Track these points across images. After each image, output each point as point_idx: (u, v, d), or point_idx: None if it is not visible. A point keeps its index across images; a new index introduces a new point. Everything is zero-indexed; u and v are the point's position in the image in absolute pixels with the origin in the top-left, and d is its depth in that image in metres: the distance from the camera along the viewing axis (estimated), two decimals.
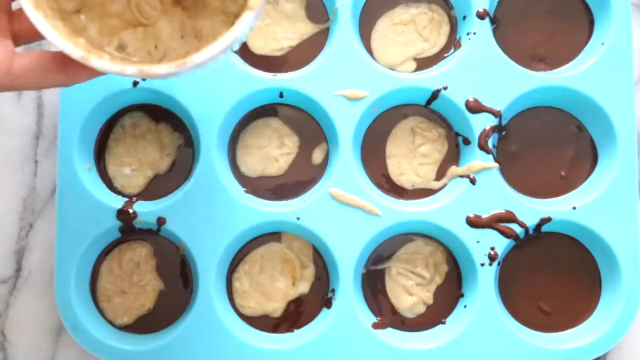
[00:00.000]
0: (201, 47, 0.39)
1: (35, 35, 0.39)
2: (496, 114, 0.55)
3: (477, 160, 0.55)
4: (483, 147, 0.55)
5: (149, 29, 0.42)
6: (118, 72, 0.38)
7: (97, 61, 0.38)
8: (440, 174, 0.56)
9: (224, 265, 0.55)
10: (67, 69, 0.39)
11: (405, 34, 0.58)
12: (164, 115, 0.57)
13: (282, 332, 0.55)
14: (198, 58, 0.38)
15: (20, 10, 0.39)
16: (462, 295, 0.55)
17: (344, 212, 0.54)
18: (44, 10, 0.39)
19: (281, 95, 0.56)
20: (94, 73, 0.40)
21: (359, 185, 0.54)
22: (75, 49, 0.37)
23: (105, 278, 0.56)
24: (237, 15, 0.41)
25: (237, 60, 0.56)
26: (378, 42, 0.58)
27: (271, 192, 0.56)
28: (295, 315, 0.55)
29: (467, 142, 0.56)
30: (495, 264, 0.54)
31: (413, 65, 0.57)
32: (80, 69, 0.39)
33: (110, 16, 0.42)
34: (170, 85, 0.55)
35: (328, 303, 0.54)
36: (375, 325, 0.54)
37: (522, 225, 0.54)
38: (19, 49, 0.40)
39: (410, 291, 0.55)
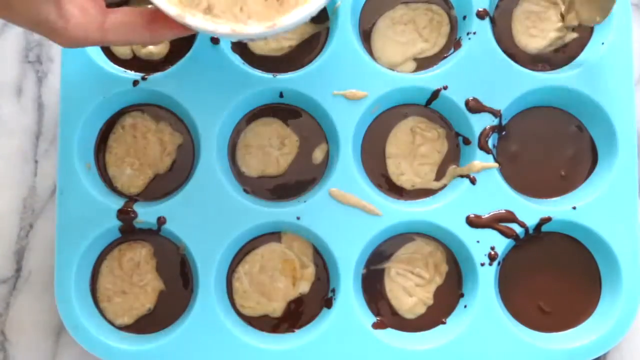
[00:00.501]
0: (283, 10, 0.41)
1: None
2: (496, 113, 0.55)
3: (477, 160, 0.55)
4: (483, 147, 0.55)
5: None
6: (211, 30, 0.39)
7: (191, 19, 0.39)
8: (440, 174, 0.56)
9: (224, 265, 0.55)
10: (154, 27, 0.41)
11: (405, 33, 0.58)
12: (164, 115, 0.57)
13: (282, 332, 0.55)
14: (287, 20, 0.40)
15: None
16: (462, 295, 0.55)
17: (344, 212, 0.54)
18: None
19: (281, 95, 0.56)
20: (178, 31, 0.41)
21: (359, 185, 0.54)
22: (170, 7, 0.39)
23: (106, 278, 0.56)
24: None
25: (237, 60, 0.56)
26: (378, 42, 0.57)
27: (271, 192, 0.56)
28: (295, 315, 0.55)
29: (467, 142, 0.56)
30: (495, 263, 0.54)
31: (413, 65, 0.57)
32: (167, 27, 0.41)
33: None
34: (170, 85, 0.55)
35: (328, 303, 0.54)
36: (375, 325, 0.54)
37: (522, 225, 0.54)
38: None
39: (410, 292, 0.55)
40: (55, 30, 0.39)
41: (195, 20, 0.40)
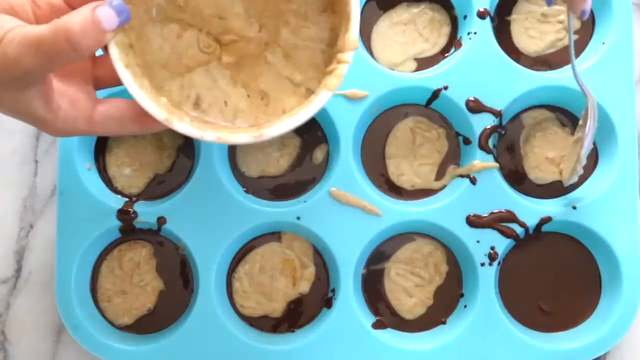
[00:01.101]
0: (269, 112, 0.42)
1: (115, 82, 0.40)
2: (497, 113, 0.55)
3: (478, 160, 0.55)
4: (484, 147, 0.55)
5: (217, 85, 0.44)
6: (198, 137, 0.39)
7: (179, 124, 0.39)
8: (440, 174, 0.56)
9: (224, 265, 0.55)
10: (144, 120, 0.40)
11: (406, 33, 0.57)
12: None
13: (282, 332, 0.55)
14: (274, 131, 0.39)
15: (104, 56, 0.41)
16: (462, 295, 0.55)
17: (344, 212, 0.54)
18: (132, 68, 0.40)
19: None
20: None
21: (359, 185, 0.54)
22: (159, 111, 0.39)
23: (106, 278, 0.56)
24: (306, 86, 0.43)
25: None
26: (378, 42, 0.57)
27: (271, 192, 0.56)
28: (295, 315, 0.55)
29: (467, 142, 0.56)
30: (495, 263, 0.54)
31: (413, 65, 0.57)
32: (155, 122, 0.40)
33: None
34: None
35: (328, 303, 0.54)
36: (375, 325, 0.54)
37: (522, 225, 0.54)
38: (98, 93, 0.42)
39: (409, 292, 0.55)
40: (43, 122, 0.39)
41: (183, 126, 0.39)
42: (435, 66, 0.56)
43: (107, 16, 0.36)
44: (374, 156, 0.56)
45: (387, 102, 0.56)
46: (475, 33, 0.55)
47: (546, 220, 0.54)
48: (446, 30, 0.58)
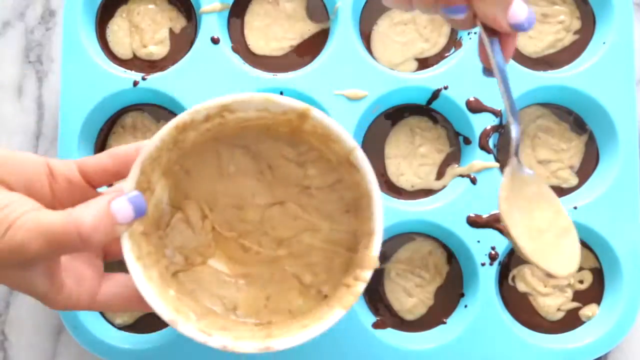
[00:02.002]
0: (271, 308, 0.43)
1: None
2: (497, 113, 0.55)
3: (478, 160, 0.54)
4: (484, 146, 0.55)
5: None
6: (202, 342, 0.39)
7: (183, 327, 0.39)
8: (440, 174, 0.56)
9: None
10: (146, 303, 0.39)
11: (406, 33, 0.57)
12: (164, 115, 0.57)
13: None
14: (282, 345, 0.40)
15: None
16: (462, 295, 0.55)
17: None
18: (143, 260, 0.39)
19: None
20: None
21: None
22: (165, 310, 0.39)
23: None
24: (317, 289, 0.44)
25: (237, 60, 0.56)
26: (378, 42, 0.57)
27: None
28: None
29: (467, 141, 0.56)
30: (496, 263, 0.54)
31: (414, 65, 0.57)
32: None
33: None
34: (170, 85, 0.55)
35: None
36: (375, 325, 0.54)
37: None
38: None
39: (410, 292, 0.55)
40: (44, 298, 0.38)
41: (188, 329, 0.39)
42: (435, 66, 0.56)
43: (122, 210, 0.36)
44: (373, 156, 0.56)
45: (387, 102, 0.56)
46: (475, 33, 0.55)
47: None
48: (446, 30, 0.58)
